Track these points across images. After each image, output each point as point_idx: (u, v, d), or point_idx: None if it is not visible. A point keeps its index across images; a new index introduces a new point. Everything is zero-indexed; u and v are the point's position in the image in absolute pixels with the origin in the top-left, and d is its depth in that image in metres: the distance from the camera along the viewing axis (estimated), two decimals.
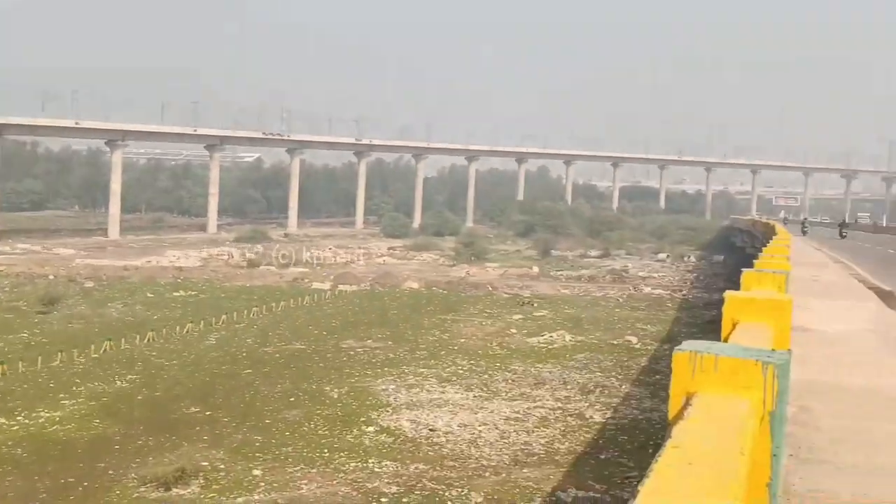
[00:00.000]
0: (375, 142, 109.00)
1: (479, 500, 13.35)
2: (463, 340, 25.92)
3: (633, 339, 25.82)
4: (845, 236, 53.11)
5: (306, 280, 41.43)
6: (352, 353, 23.60)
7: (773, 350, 2.45)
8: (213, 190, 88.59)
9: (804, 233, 53.31)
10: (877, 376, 8.09)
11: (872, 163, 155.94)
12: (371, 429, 16.57)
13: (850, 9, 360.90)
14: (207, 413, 17.63)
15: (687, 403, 2.14)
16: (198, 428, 16.60)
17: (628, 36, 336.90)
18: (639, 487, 1.52)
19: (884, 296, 17.31)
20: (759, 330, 3.31)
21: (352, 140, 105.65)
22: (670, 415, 2.28)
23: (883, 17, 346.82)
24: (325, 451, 15.27)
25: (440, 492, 13.54)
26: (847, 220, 75.06)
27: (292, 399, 18.78)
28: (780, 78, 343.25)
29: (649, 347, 24.21)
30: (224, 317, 28.45)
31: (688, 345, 2.34)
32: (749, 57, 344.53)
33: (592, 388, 20.02)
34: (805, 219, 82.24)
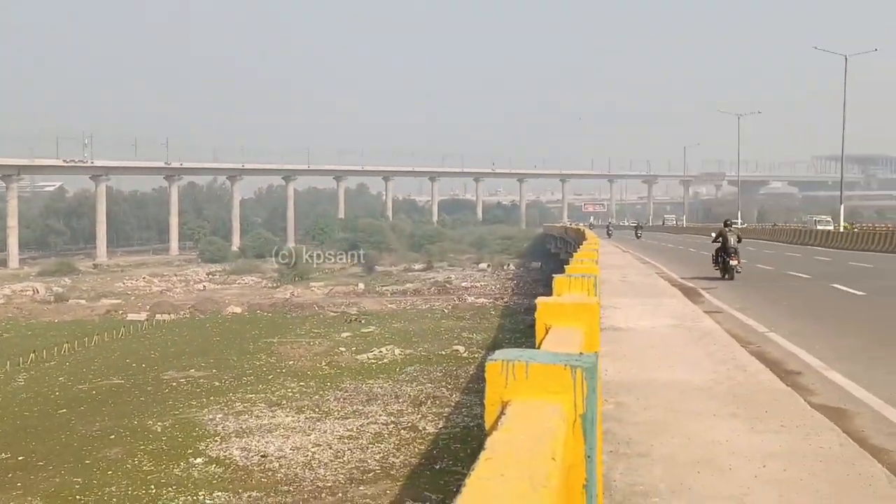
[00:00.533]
0: (186, 164, 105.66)
1: None
2: (291, 362, 25.45)
3: (461, 349, 26.20)
4: (640, 237, 63.48)
5: (120, 312, 39.53)
6: (174, 384, 22.69)
7: (581, 353, 2.52)
8: (12, 223, 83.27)
9: (609, 235, 57.56)
10: (684, 369, 8.58)
11: (670, 168, 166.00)
12: (199, 460, 15.97)
13: (646, 22, 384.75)
14: (20, 458, 16.44)
15: (502, 412, 2.17)
16: (10, 475, 15.45)
17: (428, 48, 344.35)
18: (453, 502, 1.52)
19: (686, 292, 18.43)
20: (570, 333, 3.42)
21: (160, 164, 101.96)
22: (487, 425, 2.30)
23: (663, 29, 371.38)
24: (152, 486, 14.58)
25: None
26: (641, 223, 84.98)
27: (112, 436, 17.81)
28: (577, 88, 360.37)
29: (476, 355, 24.62)
30: (32, 355, 26.70)
31: (500, 354, 2.38)
32: (539, 68, 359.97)
33: (424, 399, 20.13)
34: (609, 223, 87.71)
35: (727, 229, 23.18)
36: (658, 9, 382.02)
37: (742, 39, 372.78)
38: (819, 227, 53.64)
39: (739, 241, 23.20)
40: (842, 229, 48.54)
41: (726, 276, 22.13)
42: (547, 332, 3.58)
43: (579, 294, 4.98)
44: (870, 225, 68.45)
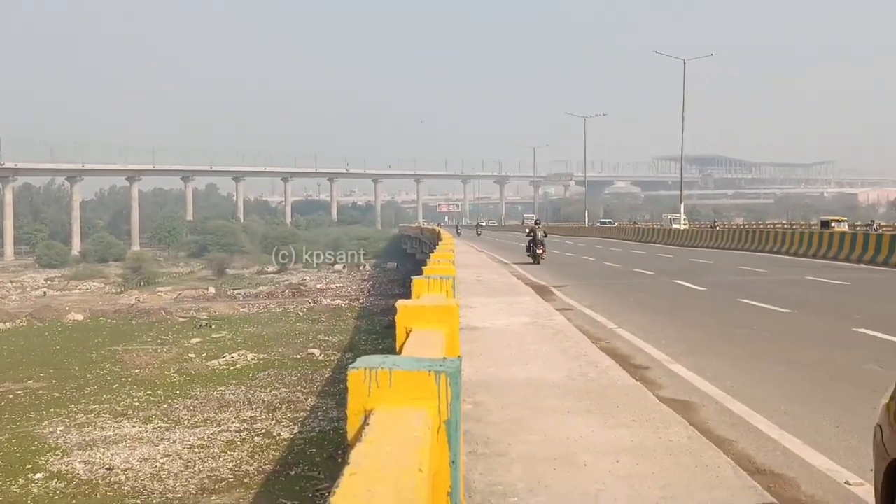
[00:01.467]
0: (21, 165, 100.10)
1: None
2: (137, 371, 24.45)
3: (316, 352, 25.86)
4: (480, 234, 71.10)
5: None
6: (10, 396, 21.40)
7: (444, 358, 2.48)
8: None
9: (458, 234, 58.93)
10: (539, 366, 8.72)
11: (520, 168, 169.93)
12: (39, 475, 15.09)
13: (494, 24, 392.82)
14: None
15: (365, 422, 2.09)
16: None
17: (275, 46, 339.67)
18: None
19: (539, 290, 18.84)
20: (432, 337, 3.38)
21: None
22: (349, 435, 2.22)
23: (511, 31, 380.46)
24: None
25: None
26: (480, 222, 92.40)
27: None
28: (430, 89, 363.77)
29: (332, 358, 24.37)
30: None
31: (362, 361, 2.30)
32: (390, 68, 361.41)
33: (278, 404, 19.74)
34: (457, 223, 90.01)
35: (536, 226, 30.42)
36: (507, 10, 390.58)
37: (587, 42, 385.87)
38: (674, 226, 55.56)
39: (545, 235, 30.50)
40: (682, 227, 50.95)
41: (535, 261, 28.92)
42: (408, 335, 3.53)
43: (438, 295, 4.96)
44: (707, 223, 72.31)
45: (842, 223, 42.02)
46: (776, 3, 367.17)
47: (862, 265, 25.12)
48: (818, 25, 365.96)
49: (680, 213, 57.90)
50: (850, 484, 5.25)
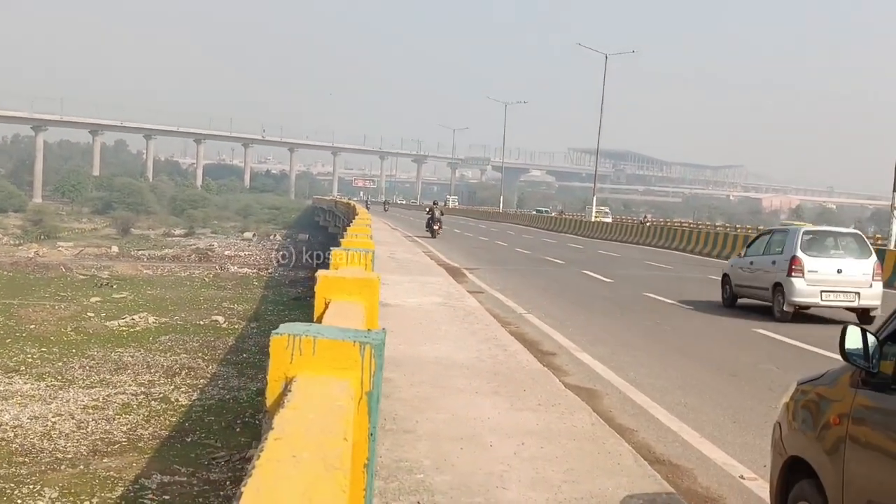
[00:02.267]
0: None
1: (54, 494, 12.26)
2: (33, 326, 23.60)
3: (220, 319, 25.39)
4: (387, 210, 75.38)
5: None
6: None
7: (369, 330, 2.45)
8: None
9: (367, 208, 58.48)
10: (449, 346, 8.76)
11: (439, 149, 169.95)
12: None
13: (424, 4, 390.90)
14: None
15: (287, 389, 2.05)
16: None
17: (200, 7, 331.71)
18: (241, 488, 1.39)
19: (451, 271, 18.91)
20: (352, 308, 3.34)
21: None
22: (268, 401, 2.18)
23: (438, 13, 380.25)
24: None
25: (8, 490, 12.23)
26: (387, 200, 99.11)
27: None
28: (352, 62, 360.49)
29: (236, 326, 23.97)
30: None
31: (285, 328, 2.25)
32: (315, 36, 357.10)
33: (178, 370, 19.31)
34: (367, 199, 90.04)
35: (435, 206, 37.64)
36: None
37: (513, 31, 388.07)
38: (599, 219, 52.76)
39: (442, 214, 37.65)
40: (593, 219, 51.73)
41: (432, 235, 34.69)
42: (327, 306, 3.48)
43: (357, 268, 4.91)
44: (636, 219, 73.58)
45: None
46: (699, 7, 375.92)
47: None
48: (735, 34, 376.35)
49: (594, 205, 58.68)
50: (744, 478, 5.43)
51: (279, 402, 2.02)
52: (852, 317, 13.07)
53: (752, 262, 14.84)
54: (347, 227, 15.16)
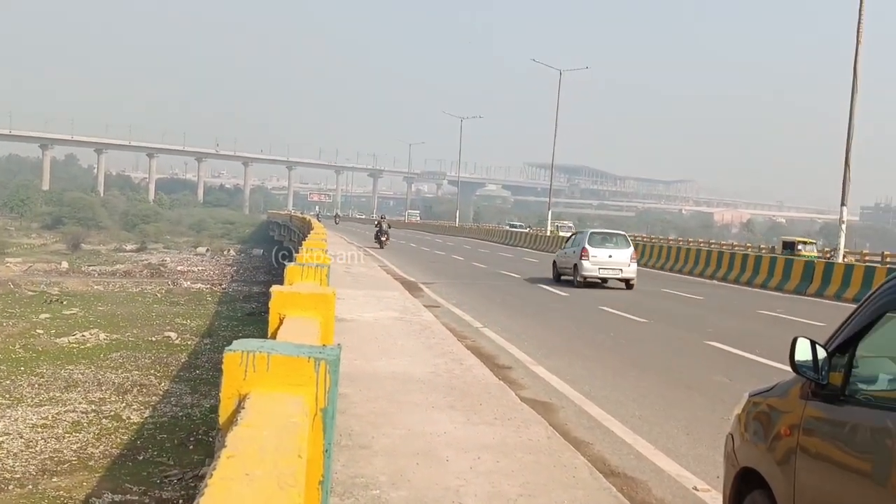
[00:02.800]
0: None
1: None
2: None
3: (173, 335, 25.05)
4: (338, 223, 75.98)
5: None
6: None
7: (324, 346, 2.44)
8: None
9: (317, 219, 58.03)
10: (406, 361, 8.73)
11: (395, 164, 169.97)
12: None
13: (378, 18, 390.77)
14: None
15: (240, 406, 2.03)
16: None
17: (151, 19, 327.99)
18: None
19: (408, 285, 18.89)
20: (307, 323, 3.32)
21: None
22: (221, 418, 2.15)
23: (392, 26, 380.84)
24: None
25: None
26: (338, 213, 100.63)
27: None
28: (306, 75, 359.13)
29: (189, 343, 23.68)
30: None
31: (239, 344, 2.23)
32: (268, 50, 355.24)
33: (130, 387, 19.02)
34: (317, 212, 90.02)
35: (382, 220, 42.64)
36: (395, 6, 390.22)
37: (468, 45, 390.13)
38: (562, 233, 51.98)
39: (389, 227, 42.51)
40: (548, 234, 52.04)
41: (380, 246, 38.28)
42: (281, 321, 3.45)
43: (312, 283, 4.88)
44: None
45: (808, 245, 42.53)
46: (655, 21, 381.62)
47: (715, 281, 26.33)
48: (689, 47, 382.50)
49: (549, 219, 59.02)
50: (697, 490, 5.48)
51: (232, 420, 2.00)
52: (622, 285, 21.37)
53: (565, 252, 23.10)
54: (302, 242, 15.07)
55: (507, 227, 72.87)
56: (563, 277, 22.57)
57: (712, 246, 48.05)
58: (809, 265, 23.64)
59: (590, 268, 21.24)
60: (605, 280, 21.66)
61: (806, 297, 21.60)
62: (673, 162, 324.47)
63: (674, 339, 12.94)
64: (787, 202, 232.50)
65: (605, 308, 16.46)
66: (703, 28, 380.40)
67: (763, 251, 44.87)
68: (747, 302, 19.90)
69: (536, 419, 6.57)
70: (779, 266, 24.62)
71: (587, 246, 21.48)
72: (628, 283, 21.42)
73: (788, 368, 3.42)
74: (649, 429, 7.04)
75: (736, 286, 24.85)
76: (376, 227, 41.42)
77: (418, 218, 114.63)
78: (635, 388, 8.80)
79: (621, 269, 21.33)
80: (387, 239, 39.77)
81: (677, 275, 28.87)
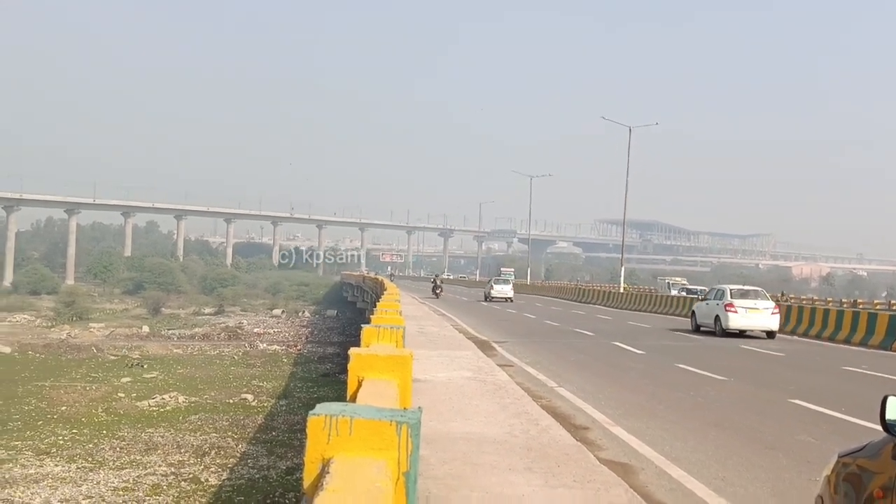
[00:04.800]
0: None
1: None
2: (64, 408, 23.75)
3: (250, 397, 25.40)
4: (393, 280, 75.20)
5: None
6: None
7: (405, 410, 2.45)
8: None
9: (392, 280, 57.63)
10: (480, 421, 8.68)
11: (465, 222, 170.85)
12: None
13: (440, 79, 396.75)
14: None
15: (325, 470, 2.05)
16: None
17: (243, 89, 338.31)
18: None
19: (480, 344, 18.84)
20: (386, 386, 3.35)
21: None
22: (306, 483, 2.18)
23: (457, 87, 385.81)
24: None
25: None
26: (394, 272, 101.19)
27: None
28: (385, 143, 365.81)
29: (265, 404, 23.96)
30: None
31: (322, 408, 2.27)
32: (340, 116, 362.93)
33: (208, 449, 19.28)
34: (391, 273, 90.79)
35: (437, 276, 56.09)
36: (451, 66, 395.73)
37: (534, 103, 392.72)
38: (673, 292, 52.05)
39: (443, 281, 55.15)
40: (621, 290, 51.47)
41: (436, 297, 47.73)
42: (360, 384, 3.49)
43: (389, 345, 4.92)
44: (646, 288, 72.89)
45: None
46: (721, 76, 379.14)
47: (795, 336, 25.64)
48: (756, 106, 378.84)
49: (622, 275, 58.44)
50: None
51: (317, 484, 2.02)
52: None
53: (706, 303, 26.39)
54: (377, 303, 15.21)
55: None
56: (702, 329, 25.97)
57: (791, 300, 46.83)
58: (894, 319, 22.88)
59: (737, 320, 24.20)
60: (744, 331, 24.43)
61: (891, 353, 20.87)
62: (747, 217, 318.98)
63: (755, 397, 12.60)
64: (867, 255, 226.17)
65: (682, 366, 16.15)
66: (768, 78, 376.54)
67: (844, 305, 43.64)
68: (830, 358, 19.32)
69: (616, 481, 6.44)
70: (862, 321, 23.88)
71: (730, 299, 24.54)
72: (772, 334, 24.21)
73: (877, 427, 3.32)
74: (734, 491, 6.84)
75: (817, 341, 24.15)
76: (432, 282, 52.76)
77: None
78: (717, 448, 8.58)
79: (766, 322, 24.21)
80: (441, 291, 50.01)
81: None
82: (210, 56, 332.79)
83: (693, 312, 27.34)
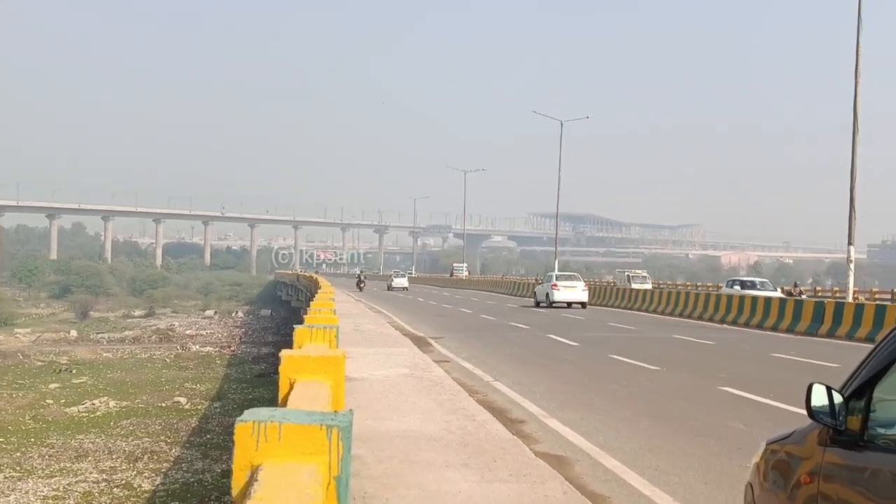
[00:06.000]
0: None
1: None
2: None
3: (183, 400, 24.96)
4: (363, 289, 68.77)
5: None
6: None
7: (336, 412, 2.42)
8: None
9: (360, 288, 57.47)
10: (417, 419, 8.67)
11: (400, 219, 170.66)
12: None
13: (377, 71, 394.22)
14: None
15: (253, 478, 2.01)
16: None
17: (147, 87, 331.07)
18: None
19: (417, 341, 18.83)
20: (318, 388, 3.30)
21: None
22: (234, 491, 2.13)
23: (392, 81, 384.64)
24: None
25: None
26: (317, 269, 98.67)
27: None
28: (308, 135, 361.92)
29: (199, 407, 23.57)
30: None
31: (250, 414, 2.22)
32: (265, 113, 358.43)
33: (140, 454, 18.90)
34: (317, 270, 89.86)
35: (361, 273, 68.45)
36: (388, 61, 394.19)
37: (469, 98, 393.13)
38: (634, 284, 47.98)
39: (366, 277, 65.97)
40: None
41: (360, 290, 54.57)
42: (292, 386, 3.43)
43: (322, 346, 4.87)
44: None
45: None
46: (648, 65, 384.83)
47: (725, 325, 26.20)
48: (683, 93, 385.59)
49: (556, 269, 58.85)
50: None
51: (245, 492, 1.98)
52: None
53: (541, 286, 37.71)
54: (311, 301, 15.08)
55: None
56: (540, 304, 36.92)
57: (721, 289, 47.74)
58: (819, 306, 23.53)
59: (558, 296, 35.77)
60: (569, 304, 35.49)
61: (817, 339, 21.46)
62: (677, 208, 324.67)
63: (687, 386, 12.83)
64: (794, 243, 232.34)
65: (615, 357, 16.37)
66: (698, 68, 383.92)
67: None
68: (759, 345, 19.78)
69: (552, 474, 6.48)
70: (789, 308, 24.51)
71: (556, 281, 36.88)
72: (583, 305, 35.39)
73: (805, 412, 3.39)
74: (667, 479, 6.94)
75: (746, 329, 24.72)
76: (356, 278, 63.35)
77: (412, 274, 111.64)
78: (650, 438, 8.71)
79: (579, 295, 35.80)
80: (364, 285, 58.93)
81: (686, 320, 28.75)
82: (138, 44, 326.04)
83: (534, 293, 38.88)
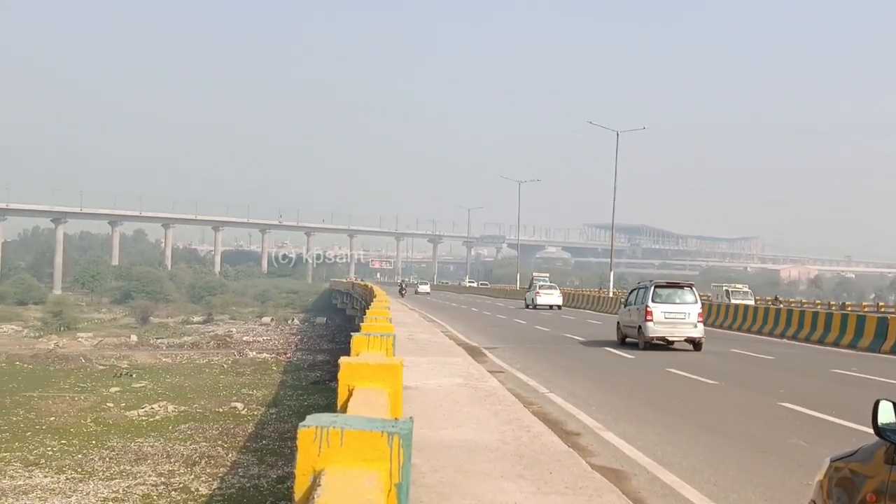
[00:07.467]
0: None
1: None
2: (53, 418, 23.61)
3: (239, 406, 25.30)
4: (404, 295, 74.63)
5: None
6: None
7: (396, 419, 2.43)
8: None
9: (402, 294, 58.61)
10: (472, 429, 8.65)
11: (454, 228, 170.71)
12: None
13: (431, 86, 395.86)
14: None
15: (316, 483, 2.02)
16: None
17: (235, 99, 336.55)
18: None
19: (471, 351, 18.82)
20: (376, 395, 3.32)
21: None
22: (297, 495, 2.15)
23: (452, 93, 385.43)
24: None
25: None
26: (361, 277, 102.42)
27: None
28: (362, 146, 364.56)
29: (255, 413, 23.85)
30: None
31: (312, 419, 2.24)
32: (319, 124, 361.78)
33: (198, 459, 19.18)
34: (402, 281, 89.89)
35: (402, 282, 76.96)
36: (447, 74, 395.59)
37: (523, 109, 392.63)
38: (734, 301, 42.29)
39: (407, 285, 72.34)
40: (611, 295, 51.46)
41: (402, 296, 57.33)
42: (350, 393, 3.46)
43: (379, 353, 4.89)
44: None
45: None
46: (706, 81, 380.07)
47: (785, 340, 25.71)
48: (744, 103, 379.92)
49: (611, 280, 58.43)
50: None
51: (308, 497, 1.99)
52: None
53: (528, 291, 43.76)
54: (366, 310, 15.16)
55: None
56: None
57: (780, 304, 46.79)
58: (883, 321, 22.96)
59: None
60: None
61: (880, 355, 20.94)
62: (735, 220, 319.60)
63: (746, 401, 12.61)
64: (855, 257, 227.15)
65: (672, 370, 16.16)
66: (760, 87, 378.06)
67: (833, 308, 43.70)
68: (819, 361, 19.36)
69: (609, 487, 6.42)
70: (851, 323, 23.95)
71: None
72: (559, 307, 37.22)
73: (868, 430, 3.31)
74: (726, 496, 6.82)
75: (807, 345, 24.22)
76: (399, 284, 71.83)
77: (475, 283, 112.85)
78: (708, 452, 8.57)
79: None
80: (406, 292, 65.21)
81: (745, 334, 28.27)
82: (195, 59, 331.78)
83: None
